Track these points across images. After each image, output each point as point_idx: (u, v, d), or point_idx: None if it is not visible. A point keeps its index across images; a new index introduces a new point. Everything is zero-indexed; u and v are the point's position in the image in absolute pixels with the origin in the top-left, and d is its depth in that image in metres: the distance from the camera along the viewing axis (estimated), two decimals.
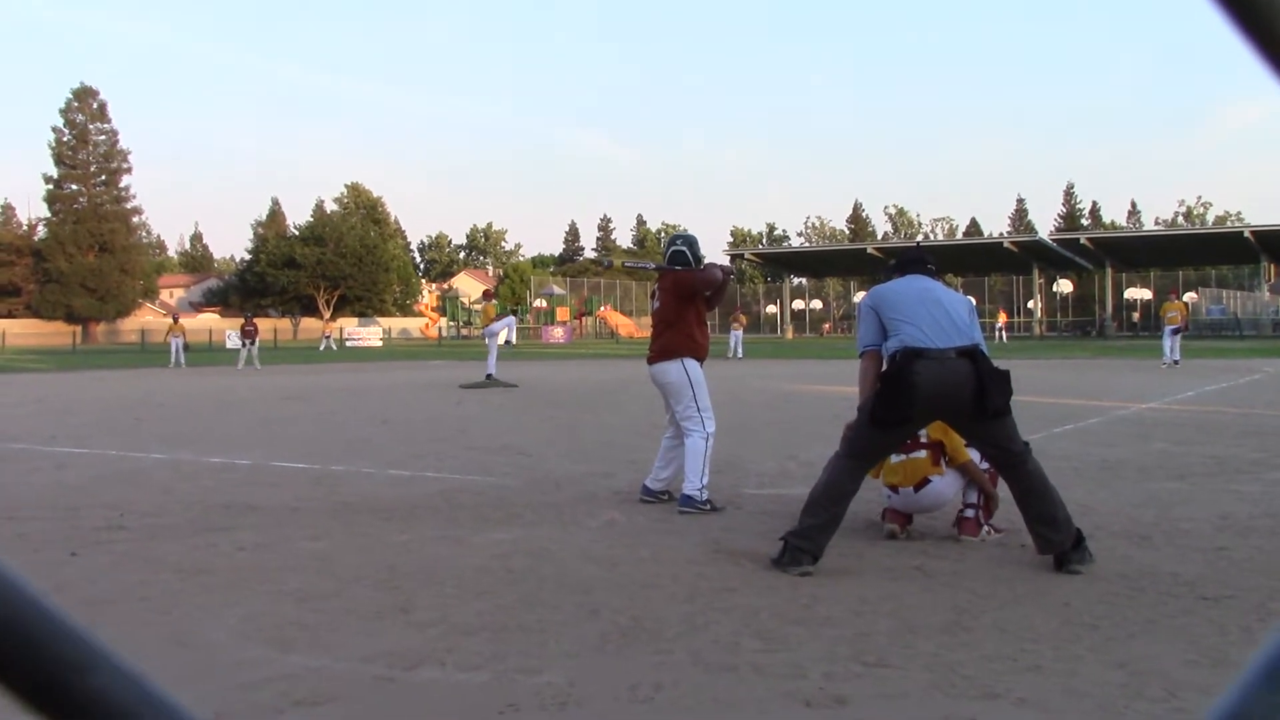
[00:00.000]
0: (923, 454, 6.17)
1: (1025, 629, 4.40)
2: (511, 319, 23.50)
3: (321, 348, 56.11)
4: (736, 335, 36.50)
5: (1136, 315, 72.97)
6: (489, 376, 21.05)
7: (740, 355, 35.04)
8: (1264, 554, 5.72)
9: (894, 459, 6.17)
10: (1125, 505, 7.17)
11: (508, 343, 32.14)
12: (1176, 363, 25.74)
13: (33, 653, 0.26)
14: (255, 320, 34.64)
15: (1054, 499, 5.45)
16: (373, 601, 4.90)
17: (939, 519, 6.45)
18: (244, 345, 32.76)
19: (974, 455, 6.17)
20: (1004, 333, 57.29)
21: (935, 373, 5.36)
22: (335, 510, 7.23)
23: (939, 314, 5.53)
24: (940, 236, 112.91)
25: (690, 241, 7.59)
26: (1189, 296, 67.29)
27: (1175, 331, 26.26)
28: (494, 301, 23.63)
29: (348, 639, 4.34)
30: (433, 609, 4.75)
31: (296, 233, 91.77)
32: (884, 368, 5.59)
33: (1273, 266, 69.90)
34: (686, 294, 7.33)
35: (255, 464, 9.58)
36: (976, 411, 5.38)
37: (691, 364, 7.29)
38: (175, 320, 35.84)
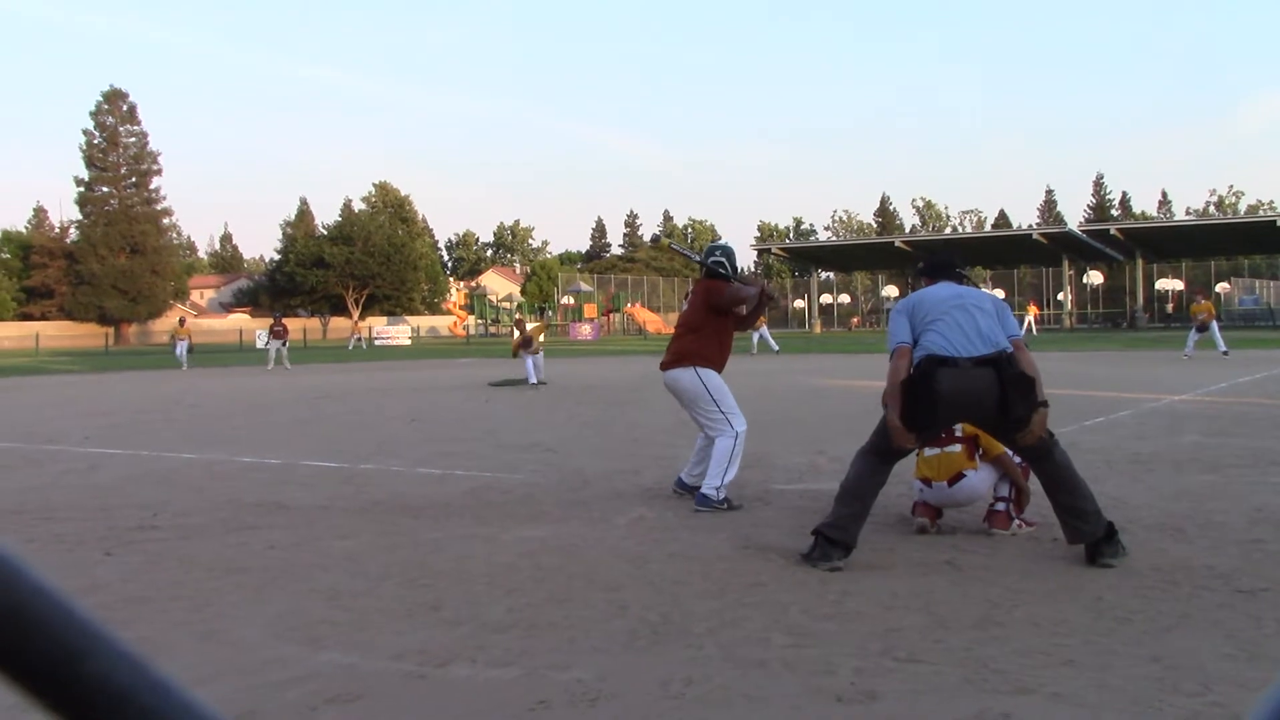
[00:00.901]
0: (957, 448, 6.14)
1: (1058, 623, 4.37)
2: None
3: (350, 346, 56.38)
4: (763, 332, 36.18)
5: (1170, 306, 72.27)
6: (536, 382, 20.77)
7: (776, 349, 34.53)
8: None
9: (928, 452, 6.14)
10: (1158, 498, 7.11)
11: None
12: (1226, 353, 25.73)
13: (27, 640, 0.26)
14: (284, 320, 34.76)
15: (1083, 490, 5.42)
16: (403, 599, 4.92)
17: (969, 512, 6.41)
18: (272, 345, 32.90)
19: (990, 481, 6.16)
20: (1034, 325, 56.90)
21: (957, 381, 5.35)
22: (365, 509, 7.26)
23: (965, 321, 5.51)
24: (968, 229, 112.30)
25: (729, 253, 7.50)
26: (1221, 287, 66.72)
27: (1202, 328, 26.11)
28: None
29: (378, 636, 4.35)
30: (463, 606, 4.77)
31: (325, 232, 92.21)
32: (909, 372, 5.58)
33: None
34: (717, 306, 7.31)
35: (285, 463, 9.63)
36: (1000, 418, 5.39)
37: (706, 372, 7.22)
38: (182, 324, 36.01)
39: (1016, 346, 5.57)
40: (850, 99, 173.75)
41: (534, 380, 20.57)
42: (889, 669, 3.84)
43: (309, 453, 10.37)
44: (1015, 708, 3.43)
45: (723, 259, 7.47)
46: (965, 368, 5.37)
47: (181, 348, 33.79)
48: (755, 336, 35.04)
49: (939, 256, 6.20)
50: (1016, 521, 6.11)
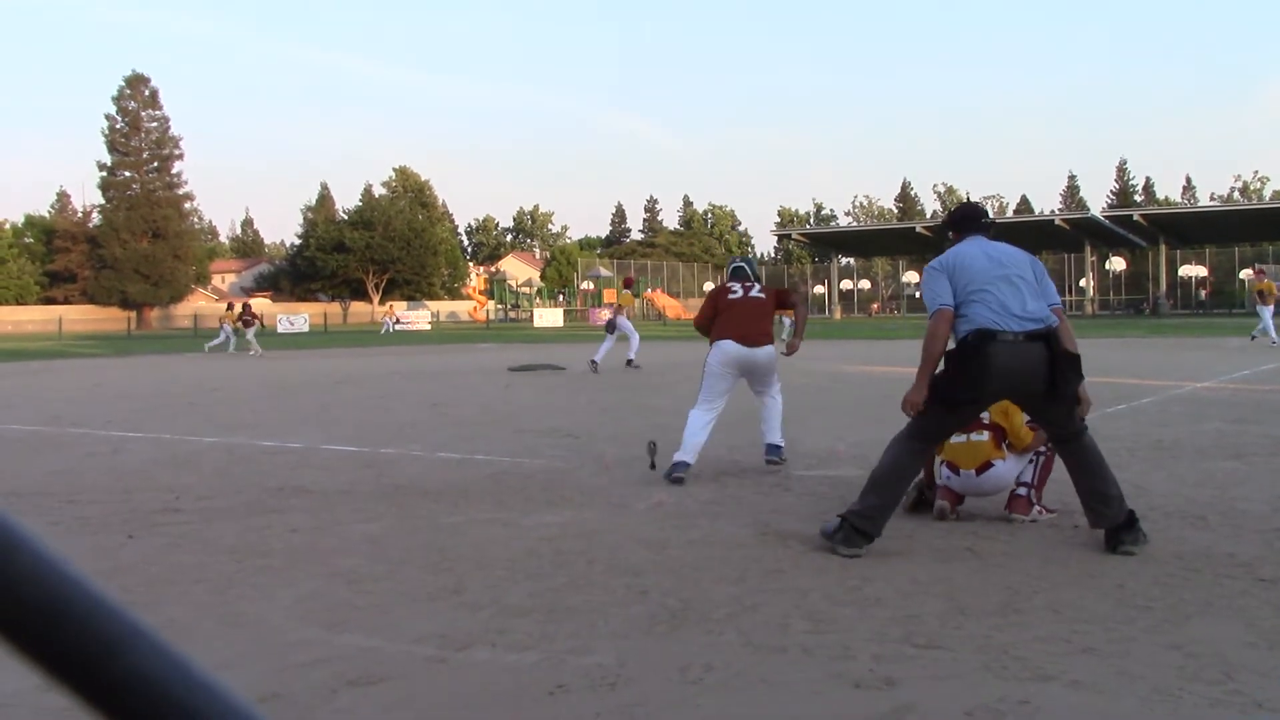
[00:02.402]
0: (985, 436, 6.13)
1: (1078, 610, 4.36)
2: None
3: (384, 330, 56.74)
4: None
5: (1205, 292, 71.71)
6: (594, 363, 20.31)
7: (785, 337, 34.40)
8: None
9: (956, 439, 6.12)
10: (1180, 486, 7.08)
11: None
12: (1276, 343, 24.08)
13: (60, 633, 0.26)
14: (253, 308, 34.32)
15: (1108, 476, 5.40)
16: (424, 583, 4.94)
17: (989, 499, 6.40)
18: (236, 333, 32.62)
19: (1015, 471, 6.15)
20: None
21: (1008, 356, 5.30)
22: (386, 493, 7.29)
23: (1010, 293, 5.45)
24: (990, 214, 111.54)
25: (749, 260, 8.98)
26: (1245, 274, 66.21)
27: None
28: (630, 291, 23.10)
29: (400, 620, 4.38)
30: (483, 591, 4.79)
31: (345, 217, 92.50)
32: (951, 345, 5.52)
33: None
34: (780, 305, 8.52)
35: (307, 447, 9.68)
36: (1048, 395, 5.34)
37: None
38: (230, 307, 36.05)
39: (1057, 314, 5.55)
40: (871, 83, 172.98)
41: (598, 359, 20.49)
42: (908, 655, 3.84)
43: (330, 437, 10.41)
44: (1034, 695, 3.43)
45: (743, 264, 8.80)
46: (1017, 342, 5.33)
47: (227, 331, 33.69)
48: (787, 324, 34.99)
49: (966, 208, 6.15)
50: (1037, 508, 6.09)
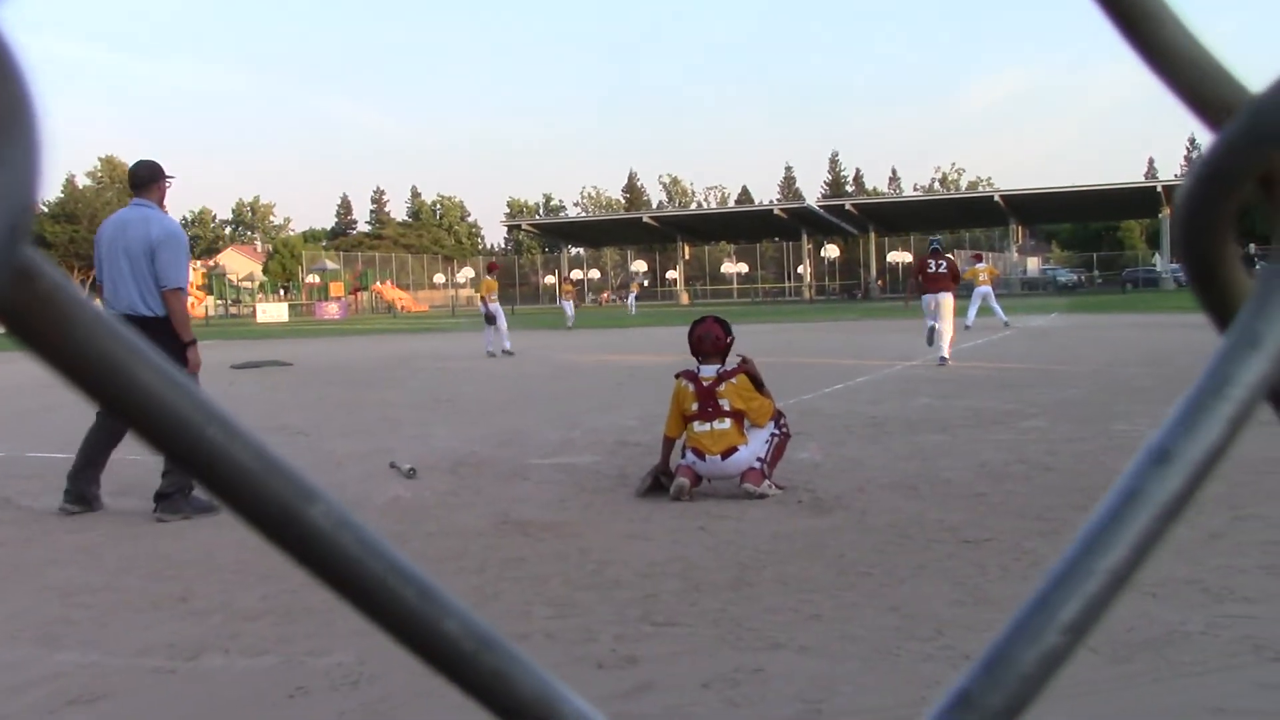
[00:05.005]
0: (728, 424, 6.39)
1: (804, 581, 4.58)
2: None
3: None
4: (568, 305, 36.08)
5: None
6: (506, 350, 20.27)
7: (570, 325, 34.15)
8: (1017, 498, 6.11)
9: (700, 427, 6.38)
10: (893, 459, 7.53)
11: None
12: (1007, 325, 24.55)
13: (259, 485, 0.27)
14: None
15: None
16: (147, 592, 4.71)
17: (724, 478, 6.62)
18: None
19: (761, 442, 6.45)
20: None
21: None
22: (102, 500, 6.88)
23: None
24: (713, 204, 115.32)
25: (938, 240, 14.20)
26: (980, 260, 70.81)
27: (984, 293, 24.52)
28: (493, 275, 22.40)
29: (121, 632, 4.16)
30: (212, 595, 4.60)
31: (45, 210, 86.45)
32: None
33: (1020, 228, 74.33)
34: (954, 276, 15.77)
35: (9, 455, 9.03)
36: None
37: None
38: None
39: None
40: (595, 76, 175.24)
41: (493, 349, 20.28)
42: (647, 633, 3.94)
43: (39, 443, 9.74)
44: (767, 662, 3.59)
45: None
46: None
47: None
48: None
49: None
50: (768, 482, 6.36)
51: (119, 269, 6.45)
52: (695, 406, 6.50)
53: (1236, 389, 0.32)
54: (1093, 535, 0.32)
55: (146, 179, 6.69)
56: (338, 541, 0.28)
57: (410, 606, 0.29)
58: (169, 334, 6.36)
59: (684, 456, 6.49)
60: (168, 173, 6.80)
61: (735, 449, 6.36)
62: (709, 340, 6.80)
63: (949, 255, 16.44)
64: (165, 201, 6.81)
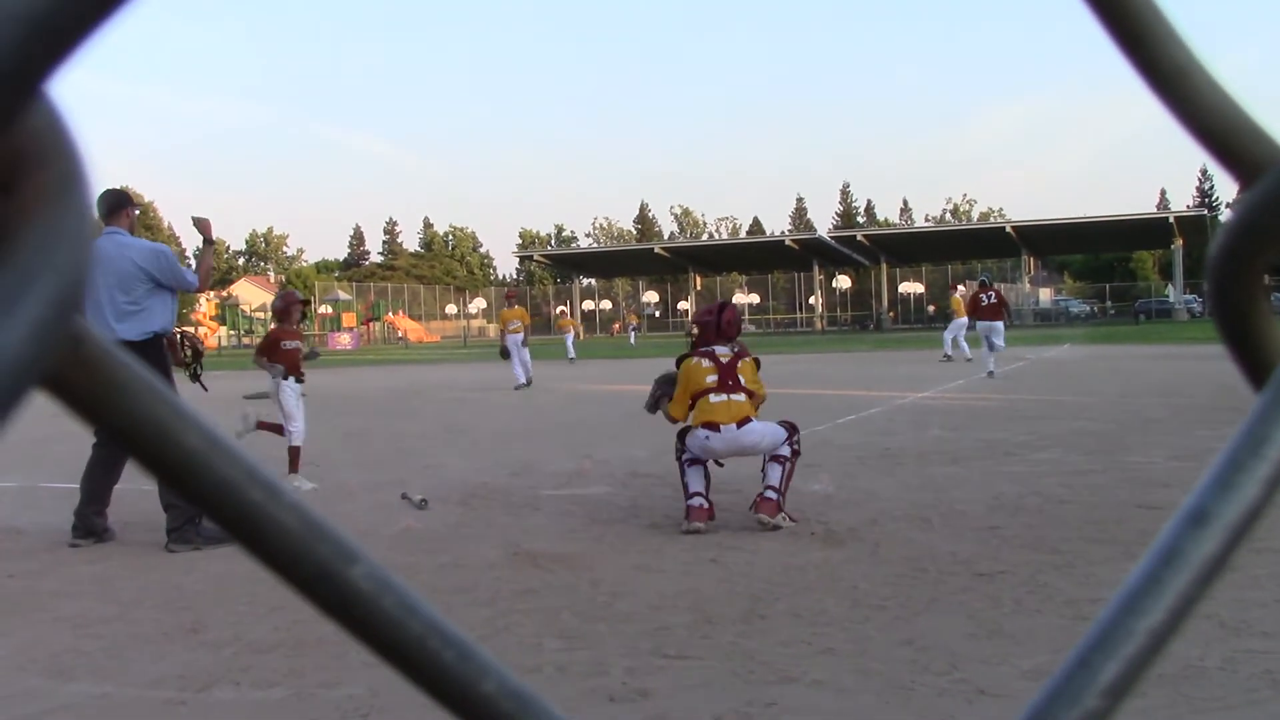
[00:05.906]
0: (742, 397, 6.45)
1: (818, 614, 4.56)
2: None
3: None
4: (568, 337, 35.78)
5: (933, 308, 75.95)
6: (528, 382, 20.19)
7: (573, 357, 33.88)
8: (1032, 530, 6.08)
9: (715, 398, 6.41)
10: (906, 490, 7.51)
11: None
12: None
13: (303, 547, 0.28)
14: None
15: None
16: (159, 623, 4.70)
17: (736, 511, 6.60)
18: None
19: (779, 436, 6.42)
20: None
21: None
22: (115, 530, 6.89)
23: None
24: (724, 235, 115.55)
25: (988, 273, 14.01)
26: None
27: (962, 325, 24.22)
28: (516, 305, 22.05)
29: (133, 663, 4.15)
30: (224, 627, 4.60)
31: None
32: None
33: (1032, 259, 74.33)
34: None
35: (21, 486, 9.04)
36: None
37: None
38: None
39: None
40: (608, 107, 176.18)
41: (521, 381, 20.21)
42: (659, 666, 3.93)
43: (49, 474, 9.75)
44: (779, 696, 3.57)
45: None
46: None
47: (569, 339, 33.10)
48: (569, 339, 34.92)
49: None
50: (782, 513, 6.33)
51: (98, 298, 6.59)
52: (714, 379, 6.50)
53: (1273, 449, 0.32)
54: (1131, 596, 0.32)
55: (115, 205, 6.89)
56: (379, 603, 0.28)
57: (449, 667, 0.29)
58: (157, 355, 6.60)
59: (699, 438, 6.44)
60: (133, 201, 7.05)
61: (749, 419, 6.41)
62: (737, 324, 7.01)
63: (996, 287, 20.02)
64: (133, 229, 7.02)
